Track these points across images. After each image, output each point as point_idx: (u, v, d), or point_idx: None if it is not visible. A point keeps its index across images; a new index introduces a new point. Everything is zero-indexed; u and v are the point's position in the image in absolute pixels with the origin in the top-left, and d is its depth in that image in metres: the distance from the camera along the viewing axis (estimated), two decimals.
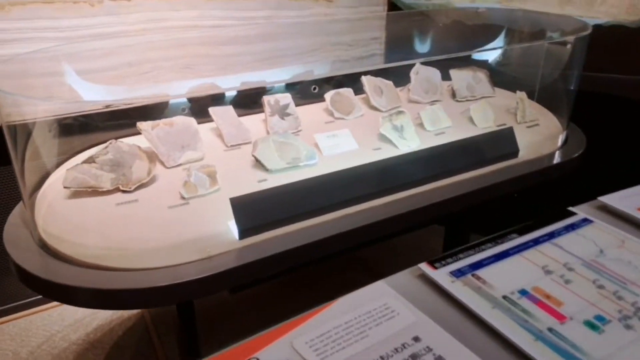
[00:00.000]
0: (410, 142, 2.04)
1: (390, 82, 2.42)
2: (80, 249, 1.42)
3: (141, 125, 1.81)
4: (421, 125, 2.17)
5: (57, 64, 2.37)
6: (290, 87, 2.88)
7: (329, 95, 2.27)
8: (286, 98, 2.15)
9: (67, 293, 1.35)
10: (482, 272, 1.07)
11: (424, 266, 1.08)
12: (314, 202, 1.63)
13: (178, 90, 2.68)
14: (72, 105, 2.12)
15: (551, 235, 1.21)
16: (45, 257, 1.43)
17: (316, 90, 2.61)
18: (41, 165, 1.84)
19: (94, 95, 2.34)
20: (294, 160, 1.83)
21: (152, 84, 2.65)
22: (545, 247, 1.16)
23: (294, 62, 3.02)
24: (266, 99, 2.11)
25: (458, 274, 1.06)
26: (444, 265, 1.09)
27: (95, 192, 1.59)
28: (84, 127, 2.19)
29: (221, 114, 2.02)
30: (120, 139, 1.74)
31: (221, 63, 2.84)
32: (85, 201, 1.59)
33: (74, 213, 1.55)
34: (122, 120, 2.21)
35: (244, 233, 1.50)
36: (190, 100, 2.33)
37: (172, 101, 2.44)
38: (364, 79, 2.37)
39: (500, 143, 2.05)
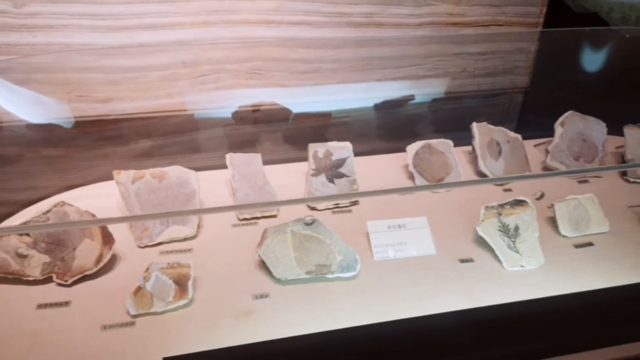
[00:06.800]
0: (525, 260, 1.23)
1: (517, 136, 1.58)
2: None
3: (118, 174, 1.28)
4: (554, 224, 1.33)
5: (96, 58, 1.96)
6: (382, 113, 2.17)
7: (412, 148, 1.52)
8: (344, 149, 1.45)
9: None
10: None
11: None
12: None
13: (236, 101, 2.14)
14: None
15: None
16: None
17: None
18: None
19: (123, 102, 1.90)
20: (318, 269, 1.16)
21: (207, 90, 2.13)
22: None
23: (395, 75, 2.28)
24: (313, 148, 1.44)
25: None
26: None
27: (18, 280, 1.11)
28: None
29: (241, 164, 1.40)
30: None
31: (298, 70, 2.20)
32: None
33: None
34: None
35: None
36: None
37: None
38: (474, 126, 1.56)
39: None
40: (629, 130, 1.57)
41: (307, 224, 1.12)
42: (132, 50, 1.98)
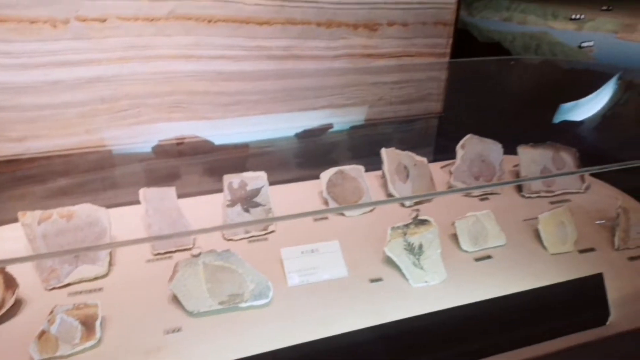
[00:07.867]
0: (429, 275, 1.31)
1: (422, 160, 1.69)
2: None
3: (23, 216, 1.25)
4: (456, 240, 1.43)
5: (9, 97, 1.91)
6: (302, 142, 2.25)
7: (326, 175, 1.58)
8: (259, 179, 1.49)
9: None
10: None
11: None
12: None
13: (157, 135, 2.14)
14: None
15: None
16: None
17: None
18: None
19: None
20: (230, 299, 1.18)
21: (128, 125, 2.12)
22: None
23: (316, 105, 2.38)
24: (227, 179, 1.47)
25: None
26: None
27: None
28: None
29: (155, 198, 1.41)
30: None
31: (220, 103, 2.24)
32: None
33: None
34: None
35: None
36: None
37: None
38: (383, 152, 1.65)
39: (577, 298, 1.26)
40: (522, 149, 1.73)
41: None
42: (48, 87, 1.95)
